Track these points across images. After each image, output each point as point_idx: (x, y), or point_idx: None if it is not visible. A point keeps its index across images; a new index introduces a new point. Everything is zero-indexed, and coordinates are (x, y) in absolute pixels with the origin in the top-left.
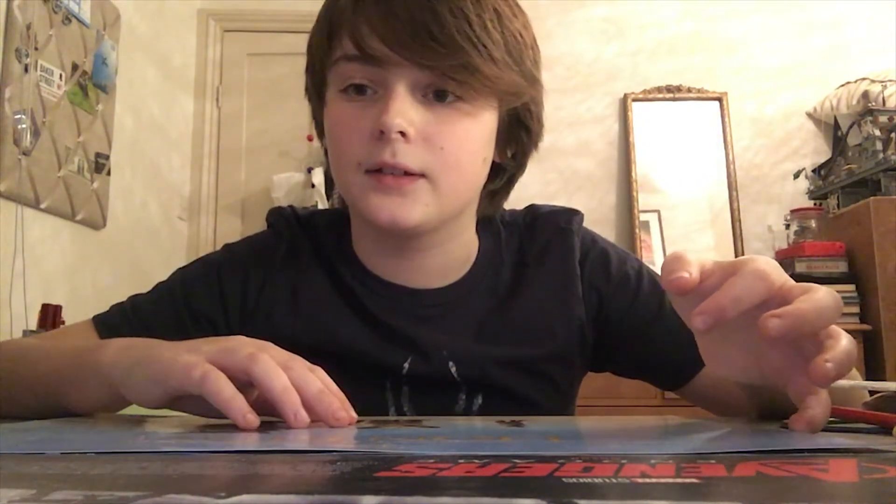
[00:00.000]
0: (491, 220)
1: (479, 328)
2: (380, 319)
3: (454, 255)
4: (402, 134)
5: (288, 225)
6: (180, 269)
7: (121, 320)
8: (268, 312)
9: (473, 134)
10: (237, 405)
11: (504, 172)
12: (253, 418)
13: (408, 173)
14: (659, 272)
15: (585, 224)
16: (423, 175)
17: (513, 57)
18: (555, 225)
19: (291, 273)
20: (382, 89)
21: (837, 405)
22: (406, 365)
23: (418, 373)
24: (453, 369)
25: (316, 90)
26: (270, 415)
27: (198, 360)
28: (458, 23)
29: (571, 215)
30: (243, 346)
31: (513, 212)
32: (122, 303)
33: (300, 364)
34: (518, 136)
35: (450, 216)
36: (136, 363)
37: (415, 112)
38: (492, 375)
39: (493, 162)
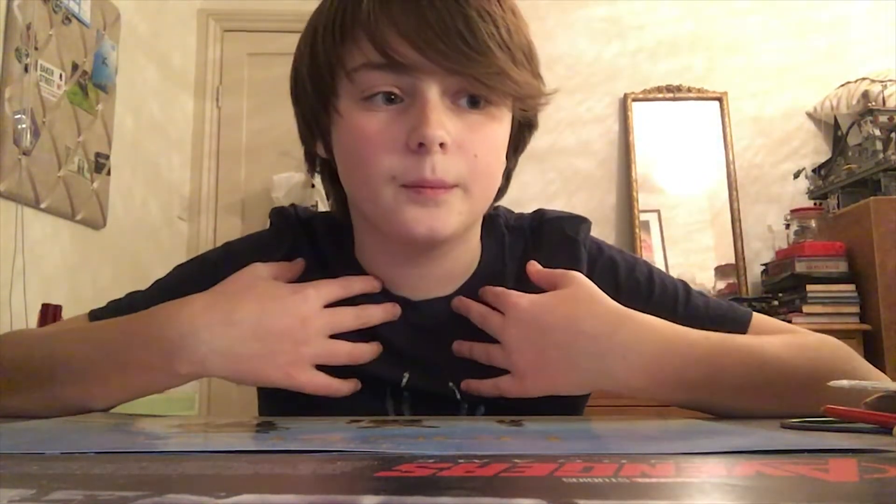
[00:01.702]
0: (494, 221)
1: (479, 341)
2: (377, 331)
3: (462, 259)
4: (441, 145)
5: (290, 226)
6: (178, 266)
7: (116, 317)
8: None
9: (501, 138)
10: (331, 388)
11: (505, 170)
12: (339, 385)
13: (444, 186)
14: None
15: None
16: (456, 184)
17: (527, 59)
18: (561, 233)
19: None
20: (410, 97)
21: (837, 405)
22: (404, 380)
23: (418, 387)
24: (454, 388)
25: (320, 98)
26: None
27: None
28: (487, 26)
29: (579, 224)
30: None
31: (520, 216)
32: (120, 299)
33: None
34: (523, 136)
35: (475, 221)
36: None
37: (449, 121)
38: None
39: None
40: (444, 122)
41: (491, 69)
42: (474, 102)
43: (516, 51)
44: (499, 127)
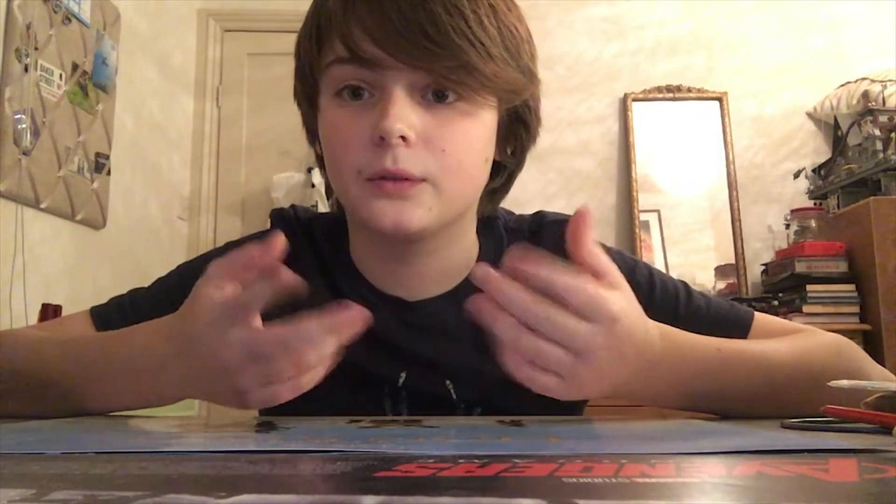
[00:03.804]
0: (494, 223)
1: (476, 342)
2: (374, 330)
3: (455, 259)
4: (403, 139)
5: (291, 228)
6: (181, 265)
7: (117, 314)
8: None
9: (475, 134)
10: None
11: (504, 170)
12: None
13: (409, 179)
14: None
15: None
16: (424, 179)
17: (510, 52)
18: (559, 237)
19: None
20: (378, 92)
21: (837, 405)
22: (401, 379)
23: (415, 386)
24: (451, 387)
25: (307, 96)
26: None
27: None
28: (453, 20)
29: None
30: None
31: (519, 217)
32: (122, 296)
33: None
34: (517, 132)
35: (452, 219)
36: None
37: (415, 115)
38: (491, 395)
39: (493, 160)
40: (406, 115)
41: (454, 63)
42: (442, 97)
43: (492, 44)
44: (472, 122)
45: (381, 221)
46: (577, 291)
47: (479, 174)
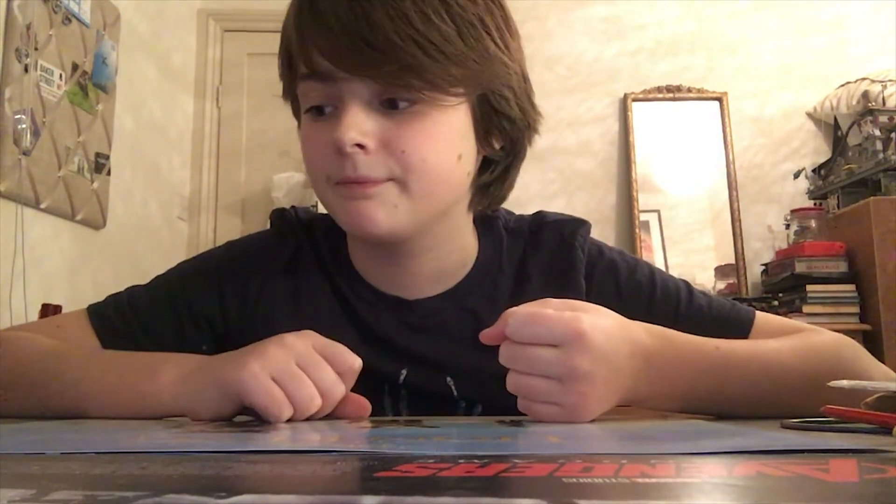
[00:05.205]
0: (494, 223)
1: (476, 340)
2: (374, 330)
3: (449, 259)
4: (361, 147)
5: (291, 228)
6: (181, 263)
7: (115, 313)
8: (266, 314)
9: (437, 133)
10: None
11: (496, 165)
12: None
13: (372, 181)
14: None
15: None
16: (390, 180)
17: (469, 45)
18: (559, 237)
19: (294, 278)
20: (339, 104)
21: (837, 405)
22: (402, 376)
23: (415, 384)
24: (452, 384)
25: (295, 113)
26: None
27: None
28: (395, 25)
29: (577, 227)
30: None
31: (520, 217)
32: (119, 294)
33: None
34: (499, 125)
35: (430, 218)
36: (204, 388)
37: (371, 122)
38: (492, 392)
39: (483, 156)
40: (359, 124)
41: (397, 66)
42: (393, 104)
43: (444, 41)
44: (433, 121)
45: (350, 221)
46: (538, 323)
47: (451, 171)
